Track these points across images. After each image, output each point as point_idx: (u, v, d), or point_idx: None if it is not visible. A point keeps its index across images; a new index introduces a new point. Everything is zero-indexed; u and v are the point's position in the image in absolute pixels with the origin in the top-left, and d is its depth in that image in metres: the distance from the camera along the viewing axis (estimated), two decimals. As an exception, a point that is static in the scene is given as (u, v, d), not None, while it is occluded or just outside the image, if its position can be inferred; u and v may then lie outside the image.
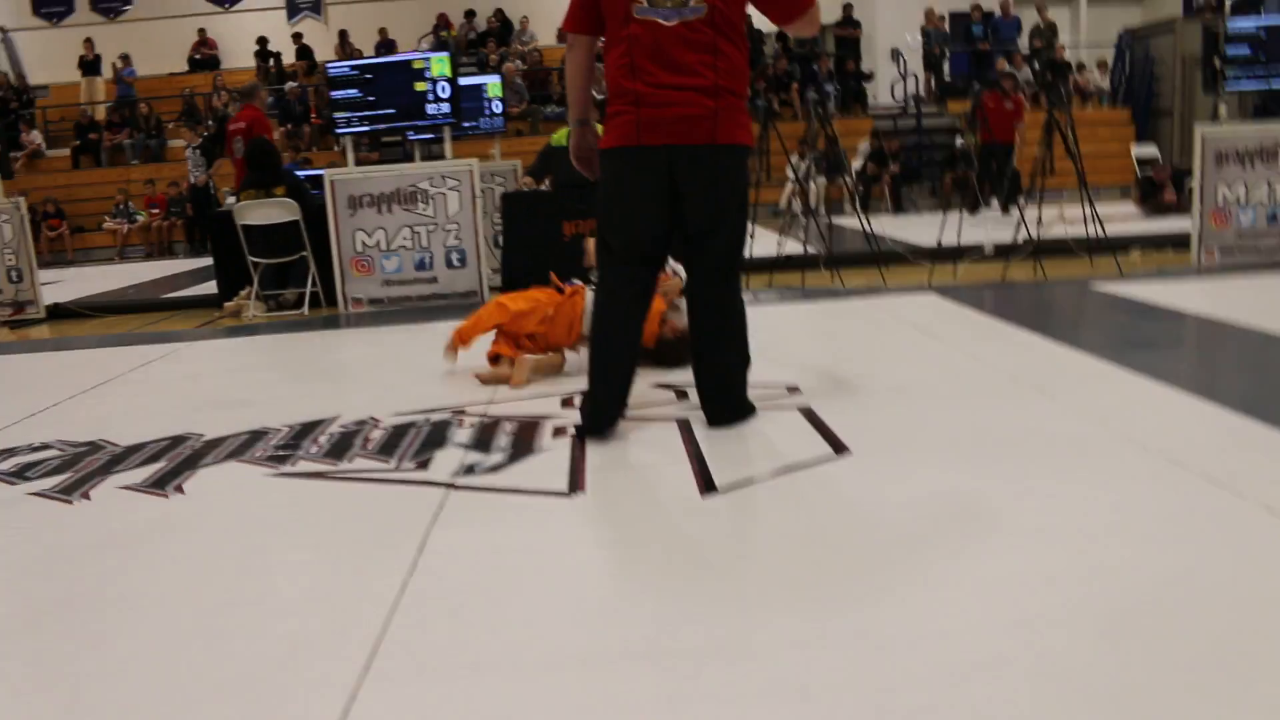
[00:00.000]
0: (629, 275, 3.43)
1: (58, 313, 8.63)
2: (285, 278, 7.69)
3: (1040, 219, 7.38)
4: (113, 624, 2.22)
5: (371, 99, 6.74)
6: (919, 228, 10.55)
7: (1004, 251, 7.65)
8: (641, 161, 3.31)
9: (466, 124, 8.35)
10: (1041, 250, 7.45)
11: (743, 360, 3.51)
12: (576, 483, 2.94)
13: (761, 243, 7.72)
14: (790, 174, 10.18)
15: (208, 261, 13.02)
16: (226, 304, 7.80)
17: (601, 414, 3.43)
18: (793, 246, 8.10)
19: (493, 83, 8.67)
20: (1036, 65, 17.06)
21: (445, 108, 6.72)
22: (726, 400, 3.50)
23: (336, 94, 6.82)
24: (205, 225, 14.72)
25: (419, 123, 6.83)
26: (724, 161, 3.33)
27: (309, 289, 7.43)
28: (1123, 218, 10.58)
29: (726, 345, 3.45)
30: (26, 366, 6.05)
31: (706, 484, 2.86)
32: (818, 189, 13.49)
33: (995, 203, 12.67)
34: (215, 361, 5.61)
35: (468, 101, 8.19)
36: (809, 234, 8.06)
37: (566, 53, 3.56)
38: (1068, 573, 2.14)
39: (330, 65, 7.07)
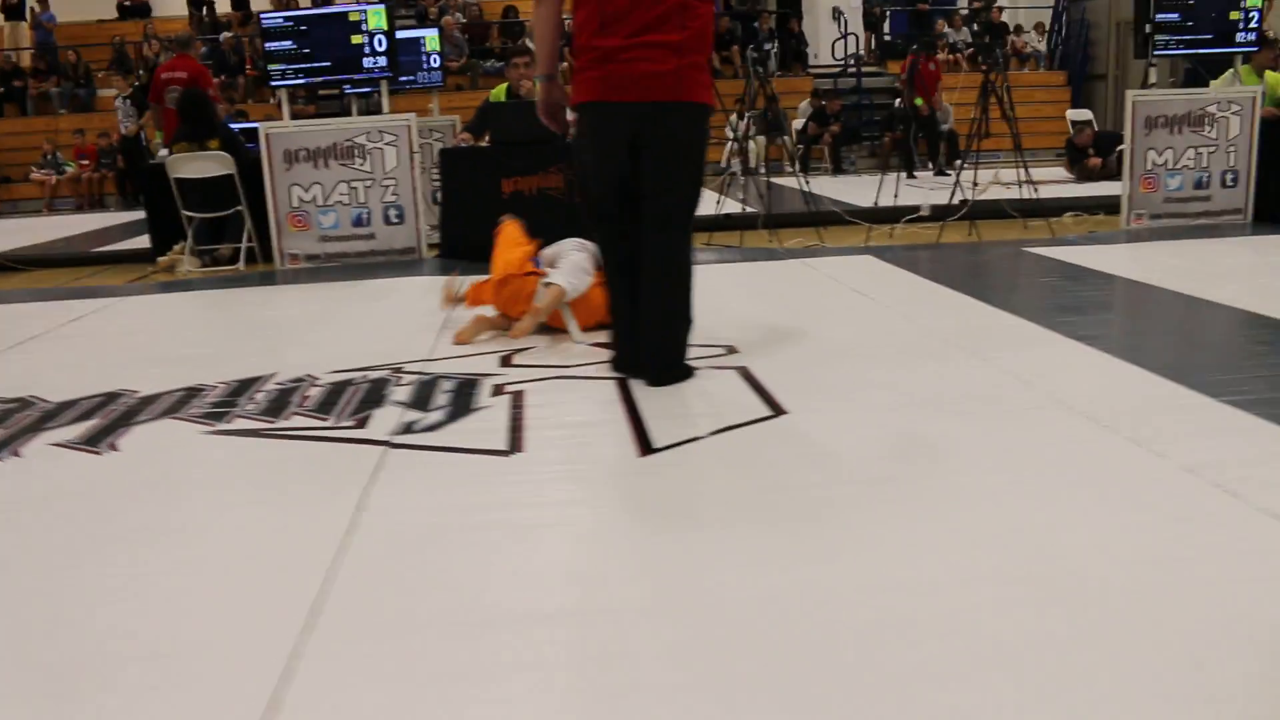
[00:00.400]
0: (612, 234, 3.57)
1: (-17, 265, 8.41)
2: (220, 233, 7.54)
3: (975, 181, 7.48)
4: (46, 582, 2.21)
5: (307, 51, 6.61)
6: (858, 189, 10.62)
7: (940, 213, 7.75)
8: (607, 116, 3.41)
9: (404, 78, 8.25)
10: (976, 213, 7.56)
11: (686, 321, 3.56)
12: (515, 443, 2.96)
13: (701, 202, 7.73)
14: (729, 133, 10.19)
15: (140, 215, 12.74)
16: (160, 259, 7.65)
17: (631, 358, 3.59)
18: (731, 206, 8.13)
19: (430, 36, 8.54)
20: (975, 27, 17.21)
21: (382, 61, 6.62)
22: (668, 360, 3.54)
23: (271, 45, 6.67)
24: (136, 177, 14.43)
25: (355, 76, 6.72)
26: (686, 118, 3.43)
27: (244, 244, 7.31)
28: (1056, 181, 10.77)
29: (673, 301, 3.51)
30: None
31: (644, 444, 2.90)
32: (757, 148, 13.55)
33: (930, 165, 12.89)
34: (149, 317, 5.52)
35: (405, 55, 8.07)
36: (748, 193, 8.10)
37: (535, 7, 3.58)
38: (992, 533, 2.22)
39: (264, 15, 6.92)
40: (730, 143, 10.74)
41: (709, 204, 7.95)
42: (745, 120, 7.88)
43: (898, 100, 14.04)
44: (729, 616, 1.89)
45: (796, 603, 1.93)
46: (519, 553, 2.23)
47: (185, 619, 2.00)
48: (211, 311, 5.64)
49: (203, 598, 2.09)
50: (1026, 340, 4.03)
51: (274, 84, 6.85)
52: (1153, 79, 7.37)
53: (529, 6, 17.38)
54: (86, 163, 15.37)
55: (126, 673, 1.81)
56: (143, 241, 9.23)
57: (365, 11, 6.55)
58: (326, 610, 1.98)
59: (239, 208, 7.25)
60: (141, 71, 16.35)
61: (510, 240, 4.55)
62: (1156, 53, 7.17)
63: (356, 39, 6.55)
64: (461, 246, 6.53)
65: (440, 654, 1.81)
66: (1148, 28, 7.05)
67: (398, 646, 1.84)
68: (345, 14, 6.59)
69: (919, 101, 13.20)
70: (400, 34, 7.89)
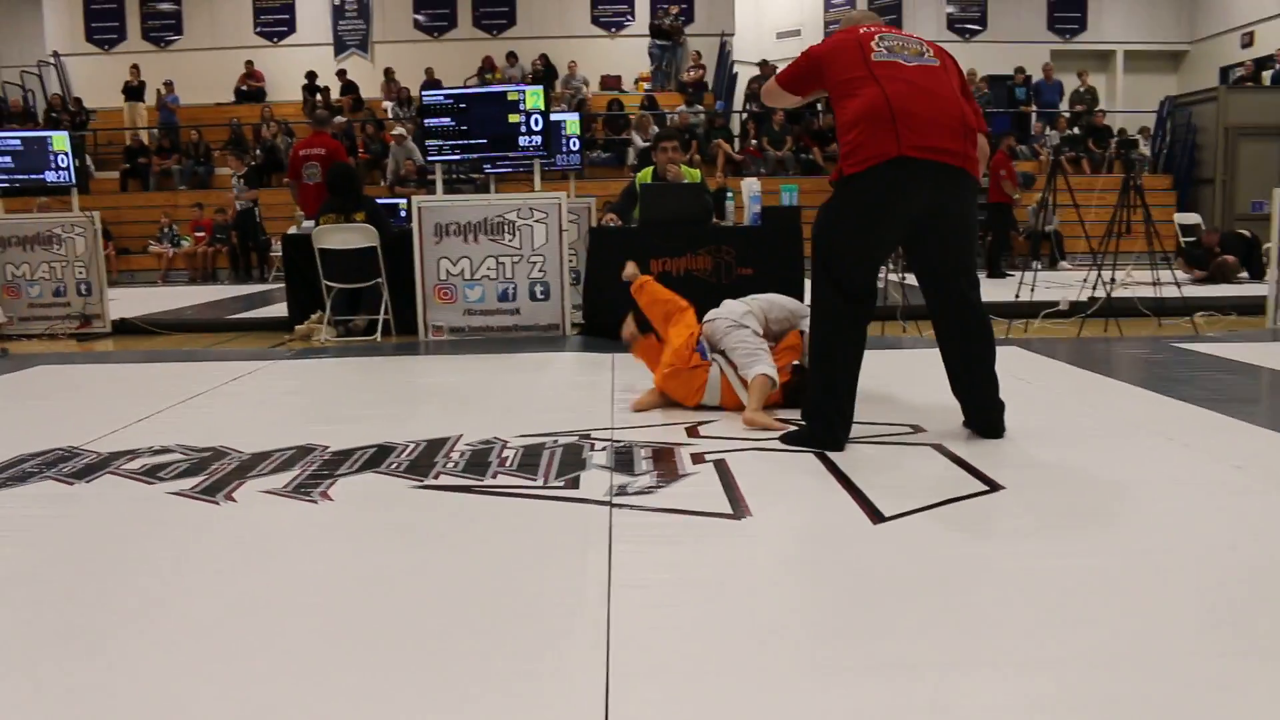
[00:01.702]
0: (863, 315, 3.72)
1: (123, 328, 8.67)
2: (356, 304, 7.73)
3: (1114, 278, 7.41)
4: (317, 623, 2.22)
5: (464, 128, 6.81)
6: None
7: (1076, 309, 7.67)
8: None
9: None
10: (1109, 310, 7.48)
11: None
12: (740, 508, 2.94)
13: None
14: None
15: (254, 289, 13.20)
16: (298, 327, 7.82)
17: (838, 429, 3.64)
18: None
19: (571, 120, 8.76)
20: (1077, 130, 17.23)
21: (537, 140, 6.79)
22: (1000, 408, 3.80)
23: (430, 121, 6.88)
24: (248, 249, 14.88)
25: (511, 154, 6.88)
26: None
27: (382, 316, 7.46)
28: (1179, 283, 10.61)
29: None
30: (117, 376, 6.06)
31: (873, 513, 2.86)
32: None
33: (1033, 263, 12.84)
34: (308, 380, 5.63)
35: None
36: (887, 286, 8.11)
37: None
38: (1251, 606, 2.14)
39: (426, 93, 7.14)
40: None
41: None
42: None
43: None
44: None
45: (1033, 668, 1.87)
46: (783, 608, 2.20)
47: (492, 653, 1.99)
48: (370, 377, 5.72)
49: (500, 636, 2.08)
50: (1216, 427, 3.94)
51: (431, 159, 7.04)
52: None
53: (632, 102, 17.84)
54: (202, 235, 15.87)
55: (464, 708, 1.80)
56: (268, 311, 9.51)
57: (524, 92, 6.75)
58: (617, 655, 1.97)
59: (378, 280, 7.41)
60: (258, 151, 16.98)
61: (670, 313, 4.55)
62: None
63: (514, 118, 6.73)
64: (604, 325, 6.59)
65: (740, 700, 1.79)
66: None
67: (703, 688, 1.82)
68: (504, 93, 6.79)
69: (1016, 196, 13.22)
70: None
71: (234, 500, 3.18)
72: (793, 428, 3.82)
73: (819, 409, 3.65)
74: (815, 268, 3.71)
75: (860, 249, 3.62)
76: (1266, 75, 16.83)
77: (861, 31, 3.72)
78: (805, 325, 4.45)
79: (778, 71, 4.01)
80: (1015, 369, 5.27)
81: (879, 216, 3.56)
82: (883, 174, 3.47)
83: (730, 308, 4.50)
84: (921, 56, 3.66)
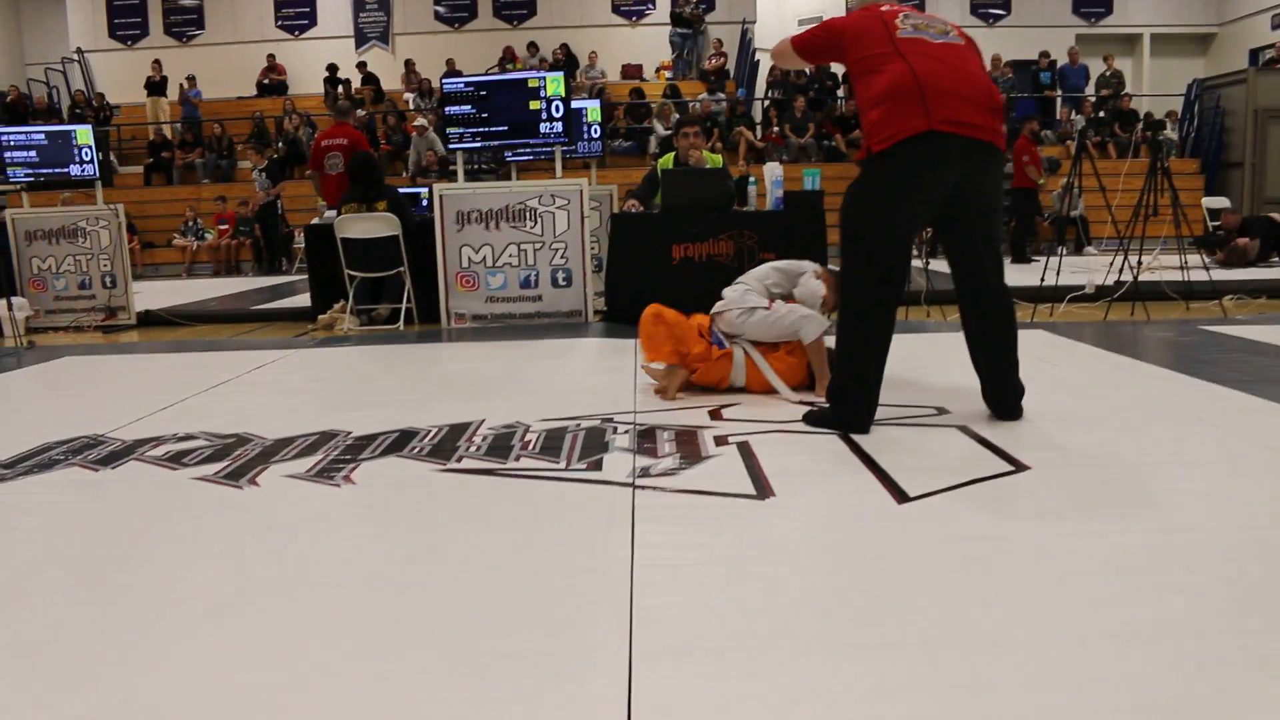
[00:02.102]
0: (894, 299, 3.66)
1: (148, 319, 8.73)
2: (379, 293, 7.75)
3: (1140, 262, 7.33)
4: (346, 604, 2.22)
5: (485, 115, 6.80)
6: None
7: (1102, 293, 7.60)
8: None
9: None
10: (1136, 294, 7.40)
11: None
12: (763, 488, 2.92)
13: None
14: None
15: (277, 280, 13.27)
16: (320, 317, 7.85)
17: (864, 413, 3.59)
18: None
19: (592, 107, 8.74)
20: (1103, 114, 17.07)
21: (558, 127, 6.77)
22: (1021, 392, 3.75)
23: (451, 109, 6.87)
24: (272, 241, 14.96)
25: (532, 141, 6.86)
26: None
27: (404, 305, 7.47)
28: (1204, 267, 10.50)
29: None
30: (142, 366, 6.10)
31: (898, 493, 2.83)
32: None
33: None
34: (331, 367, 5.64)
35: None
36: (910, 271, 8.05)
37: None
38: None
39: (446, 80, 7.13)
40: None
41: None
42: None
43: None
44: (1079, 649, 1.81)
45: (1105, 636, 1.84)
46: (808, 586, 2.18)
47: (520, 631, 1.98)
48: (392, 364, 5.73)
49: (523, 615, 2.07)
50: (1246, 408, 3.89)
51: (452, 147, 7.04)
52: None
53: (654, 90, 17.78)
54: (226, 228, 15.96)
55: (486, 682, 1.79)
56: (291, 302, 9.55)
57: (545, 79, 6.73)
58: (638, 634, 1.96)
59: (401, 269, 7.42)
60: (280, 144, 17.05)
61: (674, 331, 4.42)
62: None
63: (534, 105, 6.71)
64: (626, 312, 6.57)
65: (764, 676, 1.78)
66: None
67: (728, 665, 1.81)
68: (525, 80, 6.77)
69: (1041, 181, 13.11)
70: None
71: (257, 485, 3.18)
72: (813, 407, 3.80)
73: (845, 392, 3.61)
74: (844, 249, 3.64)
75: (890, 227, 3.54)
76: (1296, 56, 16.65)
77: (884, 9, 3.68)
78: (805, 282, 4.43)
79: (793, 35, 3.94)
80: (1040, 352, 5.22)
81: (909, 193, 3.49)
82: (913, 149, 3.41)
83: (730, 297, 4.46)
84: (946, 35, 3.62)
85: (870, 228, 3.56)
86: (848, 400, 3.60)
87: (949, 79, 3.44)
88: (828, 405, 3.71)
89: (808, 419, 3.73)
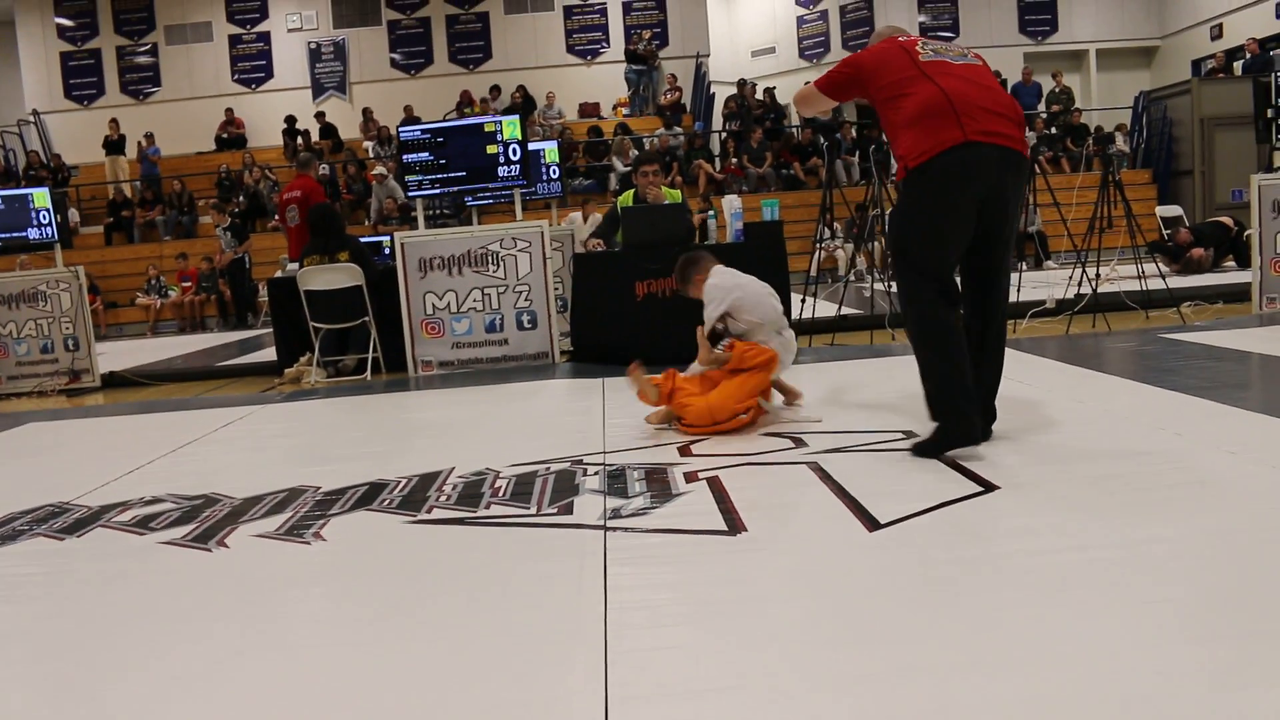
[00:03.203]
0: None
1: (113, 381, 8.64)
2: (345, 344, 7.71)
3: (1099, 274, 7.43)
4: (317, 664, 2.20)
5: (443, 161, 6.82)
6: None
7: (1063, 307, 7.68)
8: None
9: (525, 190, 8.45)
10: (1096, 305, 7.50)
11: None
12: (735, 523, 2.92)
13: (821, 304, 7.81)
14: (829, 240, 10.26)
15: (243, 335, 13.19)
16: (287, 370, 7.80)
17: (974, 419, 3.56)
18: (826, 308, 8.17)
19: (550, 148, 8.79)
20: (1054, 130, 17.33)
21: (516, 170, 6.80)
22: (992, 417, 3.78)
23: (409, 157, 6.88)
24: (240, 297, 14.90)
25: (491, 185, 6.89)
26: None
27: (370, 355, 7.44)
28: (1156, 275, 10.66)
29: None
30: (107, 429, 6.04)
31: (869, 521, 2.84)
32: (845, 255, 13.64)
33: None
34: (299, 422, 5.61)
35: (523, 167, 8.28)
36: (873, 295, 8.13)
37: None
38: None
39: (403, 129, 7.15)
40: (818, 251, 10.87)
41: (829, 307, 8.10)
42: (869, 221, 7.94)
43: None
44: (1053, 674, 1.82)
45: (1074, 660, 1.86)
46: (785, 622, 2.18)
47: (491, 680, 1.97)
48: (360, 415, 5.71)
49: (496, 662, 2.06)
50: (1208, 414, 3.94)
51: (411, 194, 7.04)
52: (1277, 163, 7.33)
53: (612, 128, 17.89)
54: (189, 285, 15.87)
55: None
56: (259, 356, 9.49)
57: (500, 123, 6.76)
58: (617, 676, 1.95)
59: (366, 319, 7.40)
60: (242, 198, 17.02)
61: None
62: (1281, 137, 7.16)
63: (491, 149, 6.74)
64: (593, 350, 6.59)
65: (758, 715, 1.77)
66: (1269, 113, 7.04)
67: (704, 710, 1.80)
68: (481, 125, 6.80)
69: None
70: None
71: (226, 546, 3.15)
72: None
73: (942, 405, 3.54)
74: (897, 268, 3.72)
75: (937, 234, 3.59)
76: (1237, 66, 16.96)
77: (903, 39, 3.79)
78: (777, 343, 4.46)
79: (814, 80, 4.03)
80: (1006, 369, 5.24)
81: (952, 200, 3.53)
82: (951, 159, 3.49)
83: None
84: (965, 56, 3.75)
85: (917, 238, 3.62)
86: (951, 413, 3.51)
87: (976, 95, 3.54)
88: (933, 429, 3.58)
89: (918, 450, 3.61)
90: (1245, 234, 8.68)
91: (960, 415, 3.49)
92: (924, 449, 3.57)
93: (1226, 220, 12.02)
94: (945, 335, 3.54)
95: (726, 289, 4.52)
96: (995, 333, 3.76)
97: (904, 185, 3.64)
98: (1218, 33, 18.43)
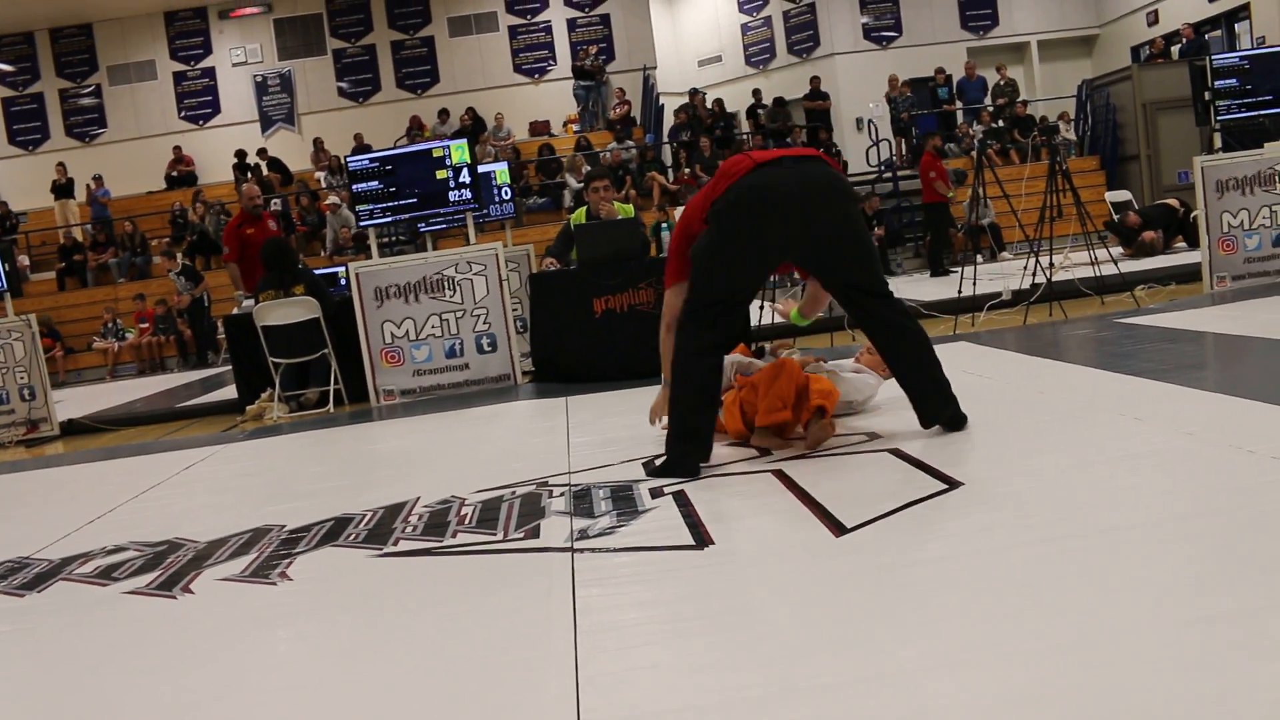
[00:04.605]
0: None
1: (71, 429, 8.53)
2: (305, 377, 7.64)
3: (1052, 263, 7.51)
4: (287, 705, 2.17)
5: (393, 189, 6.80)
6: (913, 286, 10.70)
7: (1020, 298, 7.76)
8: None
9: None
10: (1052, 294, 7.58)
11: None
12: (702, 537, 2.91)
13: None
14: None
15: (203, 374, 13.06)
16: (249, 408, 7.72)
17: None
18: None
19: (501, 170, 8.77)
20: (1000, 122, 17.52)
21: (467, 194, 6.79)
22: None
23: (358, 186, 6.85)
24: (199, 336, 14.79)
25: (442, 210, 6.87)
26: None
27: (332, 386, 7.39)
28: (1113, 260, 10.79)
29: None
30: (67, 478, 5.96)
31: (836, 526, 2.84)
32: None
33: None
34: (261, 460, 5.55)
35: (474, 190, 8.25)
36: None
37: (664, 335, 3.98)
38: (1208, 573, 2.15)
39: (351, 159, 7.11)
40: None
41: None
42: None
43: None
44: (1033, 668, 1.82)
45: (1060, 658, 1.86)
46: (758, 635, 2.17)
47: (456, 714, 1.96)
48: (323, 449, 5.66)
49: (464, 699, 2.04)
50: (1165, 397, 3.98)
51: (363, 224, 7.00)
52: (1218, 144, 7.43)
53: (564, 145, 17.91)
54: (146, 326, 15.70)
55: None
56: (221, 395, 9.39)
57: (448, 147, 6.75)
58: (585, 700, 1.94)
59: (325, 351, 7.34)
60: (192, 236, 16.87)
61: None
62: (1220, 118, 7.25)
63: (441, 174, 6.72)
64: (555, 369, 6.58)
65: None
66: (1207, 95, 7.15)
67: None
68: (429, 150, 6.79)
69: (950, 194, 13.42)
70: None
71: (191, 592, 3.10)
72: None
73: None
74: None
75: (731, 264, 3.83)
76: (1175, 50, 17.22)
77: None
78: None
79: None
80: (965, 363, 5.30)
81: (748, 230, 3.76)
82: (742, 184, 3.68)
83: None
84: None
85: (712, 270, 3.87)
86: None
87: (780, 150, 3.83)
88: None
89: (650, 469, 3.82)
90: (1192, 215, 8.78)
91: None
92: (655, 470, 3.77)
93: (1173, 202, 12.21)
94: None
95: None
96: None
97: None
98: (1154, 19, 18.71)
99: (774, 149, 3.90)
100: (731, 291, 3.77)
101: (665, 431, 3.85)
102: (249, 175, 18.90)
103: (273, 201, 15.08)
